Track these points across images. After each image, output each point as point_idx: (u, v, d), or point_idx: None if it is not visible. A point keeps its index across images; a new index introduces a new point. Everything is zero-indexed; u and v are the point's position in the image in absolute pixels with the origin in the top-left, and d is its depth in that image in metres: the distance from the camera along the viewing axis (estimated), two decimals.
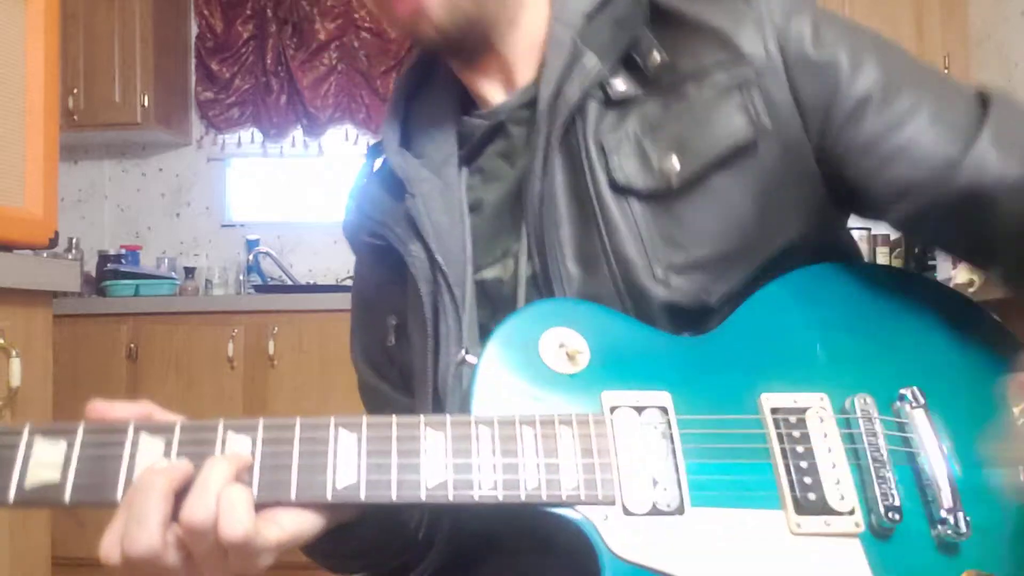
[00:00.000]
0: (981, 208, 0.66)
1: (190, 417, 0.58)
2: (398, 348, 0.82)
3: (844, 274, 0.72)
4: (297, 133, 3.82)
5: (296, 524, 0.55)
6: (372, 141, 1.11)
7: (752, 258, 0.70)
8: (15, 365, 1.43)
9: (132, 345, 3.10)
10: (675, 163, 0.69)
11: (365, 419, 0.57)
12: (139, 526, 0.51)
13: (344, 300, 0.90)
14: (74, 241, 3.51)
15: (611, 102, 0.72)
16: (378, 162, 0.86)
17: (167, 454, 0.55)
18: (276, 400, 3.05)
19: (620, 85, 0.72)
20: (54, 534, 1.59)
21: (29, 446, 0.54)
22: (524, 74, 0.78)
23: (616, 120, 0.72)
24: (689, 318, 0.69)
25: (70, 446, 0.54)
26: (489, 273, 0.76)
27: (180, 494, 0.52)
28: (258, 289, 3.54)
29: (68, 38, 3.35)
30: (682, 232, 0.69)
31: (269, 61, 3.75)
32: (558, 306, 0.67)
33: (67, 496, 0.53)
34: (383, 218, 0.78)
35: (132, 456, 0.54)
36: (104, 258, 3.48)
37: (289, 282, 3.67)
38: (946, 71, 3.12)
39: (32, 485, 0.53)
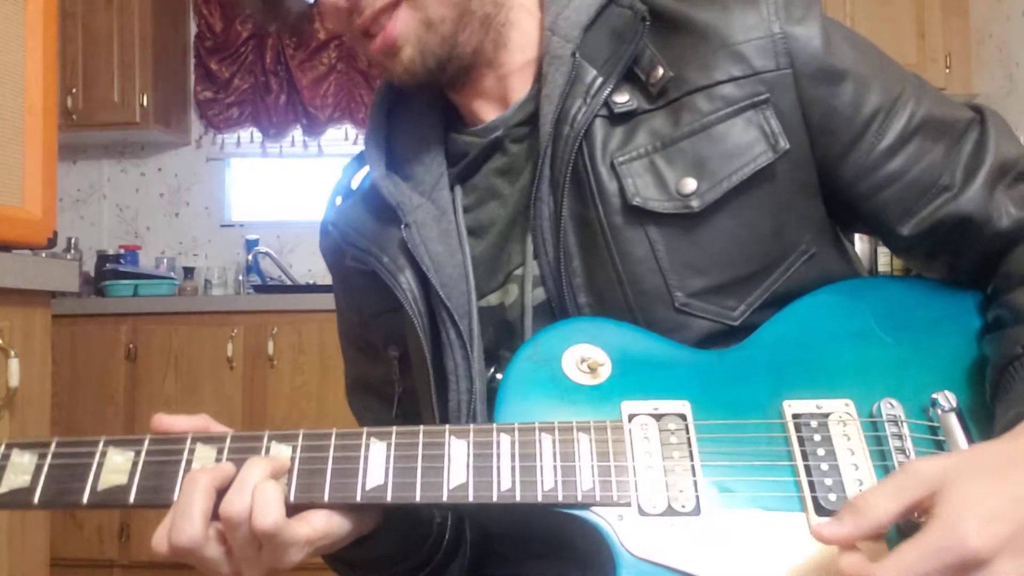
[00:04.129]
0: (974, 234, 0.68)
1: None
2: (403, 379, 0.79)
3: (870, 286, 0.72)
4: (296, 133, 3.80)
5: (325, 524, 0.58)
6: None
7: (771, 274, 0.69)
8: (14, 365, 1.42)
9: (131, 345, 3.09)
10: (693, 186, 0.67)
11: (395, 429, 0.61)
12: (184, 518, 0.55)
13: None
14: (73, 241, 3.50)
15: (616, 117, 0.69)
16: (358, 176, 0.82)
17: (219, 460, 0.60)
18: (275, 400, 3.03)
19: (623, 97, 0.70)
20: (53, 535, 1.58)
21: (103, 455, 0.60)
22: (518, 89, 0.75)
23: (625, 137, 0.69)
24: (713, 341, 0.68)
25: (137, 454, 0.60)
26: (492, 299, 0.74)
27: (223, 492, 0.57)
28: (257, 289, 3.52)
29: (67, 38, 3.33)
30: (703, 257, 0.68)
31: (268, 60, 3.74)
32: (580, 324, 0.68)
33: (132, 497, 0.58)
34: (368, 245, 0.75)
35: (189, 463, 0.60)
36: (103, 258, 3.47)
37: (288, 282, 3.66)
38: (947, 71, 3.11)
39: (104, 487, 0.59)
